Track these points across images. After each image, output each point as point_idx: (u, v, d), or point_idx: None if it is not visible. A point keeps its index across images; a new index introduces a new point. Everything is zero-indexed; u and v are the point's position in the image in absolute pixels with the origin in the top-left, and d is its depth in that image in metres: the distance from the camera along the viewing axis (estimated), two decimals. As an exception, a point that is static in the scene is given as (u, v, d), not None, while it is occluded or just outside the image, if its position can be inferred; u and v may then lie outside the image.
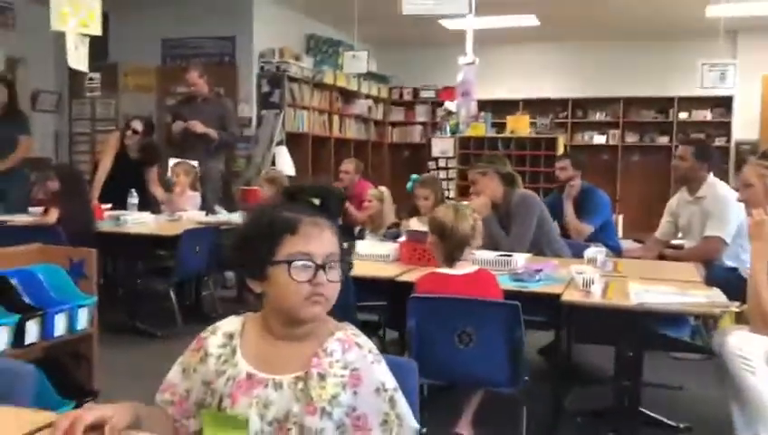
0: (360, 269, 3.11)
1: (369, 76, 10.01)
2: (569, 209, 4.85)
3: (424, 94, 10.84)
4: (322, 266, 1.31)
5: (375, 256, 3.44)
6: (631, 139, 10.13)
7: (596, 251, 3.50)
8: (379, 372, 1.33)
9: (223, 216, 5.27)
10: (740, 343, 2.37)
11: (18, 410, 1.29)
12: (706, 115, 9.74)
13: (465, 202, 3.53)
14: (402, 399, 1.34)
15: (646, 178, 9.81)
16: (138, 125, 5.61)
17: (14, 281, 2.67)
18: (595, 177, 6.89)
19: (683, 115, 9.77)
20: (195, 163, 5.62)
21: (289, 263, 1.29)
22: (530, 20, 8.63)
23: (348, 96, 9.61)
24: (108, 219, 4.87)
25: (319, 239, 1.33)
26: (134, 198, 5.26)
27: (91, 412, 1.19)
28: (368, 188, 5.28)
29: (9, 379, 1.41)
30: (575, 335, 2.85)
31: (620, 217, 7.41)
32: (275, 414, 1.28)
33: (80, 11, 5.19)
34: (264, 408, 1.28)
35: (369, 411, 1.29)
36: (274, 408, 1.28)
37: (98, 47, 5.77)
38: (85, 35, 5.18)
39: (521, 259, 3.20)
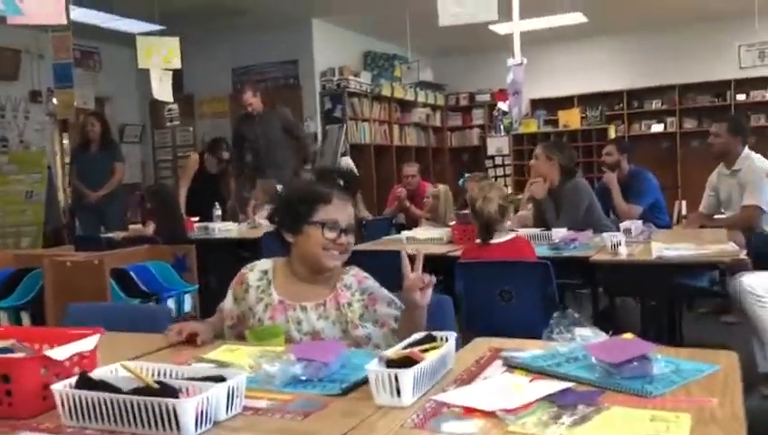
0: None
1: (425, 85, 10.47)
2: (615, 193, 5.13)
3: (479, 98, 11.19)
4: (345, 230, 1.84)
5: (431, 239, 3.89)
6: (689, 125, 10.18)
7: (632, 223, 3.84)
8: (386, 292, 1.87)
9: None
10: (751, 282, 2.68)
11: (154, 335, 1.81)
12: (765, 95, 9.71)
13: (528, 182, 3.97)
14: None
15: (707, 162, 9.77)
16: (225, 154, 6.33)
17: (131, 274, 3.25)
18: (655, 165, 7.08)
19: (741, 97, 9.76)
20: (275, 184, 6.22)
21: (323, 225, 1.82)
22: (577, 17, 8.90)
23: (405, 106, 10.10)
24: (197, 230, 5.49)
25: (344, 211, 1.86)
26: (218, 211, 5.90)
27: (190, 326, 1.79)
28: (427, 188, 5.73)
29: (149, 315, 1.94)
30: (606, 290, 3.21)
31: (684, 203, 7.56)
32: (306, 329, 1.82)
33: (161, 49, 5.91)
34: (297, 324, 1.83)
35: (387, 318, 1.82)
36: (305, 324, 1.83)
37: (174, 80, 6.50)
38: (167, 69, 5.89)
39: (559, 233, 3.57)
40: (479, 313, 2.88)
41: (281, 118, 6.64)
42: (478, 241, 3.10)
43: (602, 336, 1.43)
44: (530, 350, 1.51)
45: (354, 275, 1.89)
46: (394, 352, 1.32)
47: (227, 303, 1.93)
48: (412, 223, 5.71)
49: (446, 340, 1.41)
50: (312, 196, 1.85)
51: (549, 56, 9.94)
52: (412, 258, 1.71)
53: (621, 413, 1.11)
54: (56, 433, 1.15)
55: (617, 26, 9.69)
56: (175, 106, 9.40)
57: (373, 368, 1.22)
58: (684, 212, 7.01)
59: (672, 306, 3.02)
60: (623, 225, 3.77)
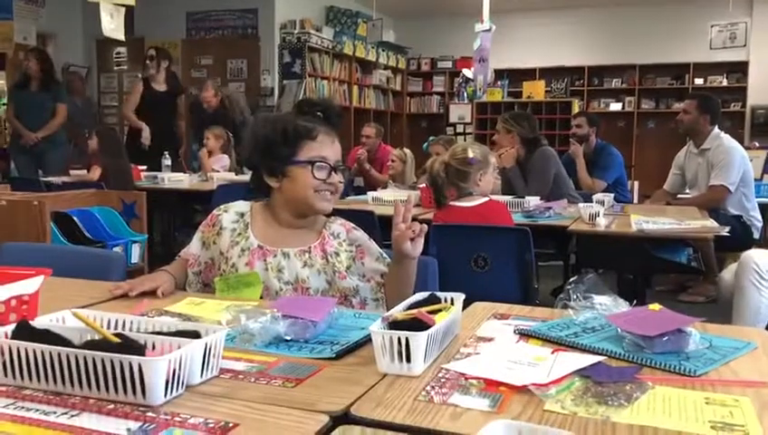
0: (385, 211, 3.39)
1: (387, 47, 10.20)
2: (580, 165, 5.05)
3: (441, 65, 10.99)
4: (334, 169, 1.63)
5: (398, 201, 3.71)
6: (647, 105, 10.25)
7: (604, 195, 3.75)
8: (375, 245, 1.70)
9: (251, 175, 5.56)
10: (760, 260, 2.56)
11: (114, 283, 1.58)
12: (722, 81, 9.82)
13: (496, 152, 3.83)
14: None
15: (661, 144, 9.90)
16: (152, 51, 6.01)
17: (75, 218, 2.97)
18: (611, 143, 7.06)
19: (698, 81, 9.85)
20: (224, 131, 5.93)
21: (312, 163, 1.61)
22: (545, -12, 8.78)
23: (366, 67, 9.83)
24: (145, 180, 5.18)
25: (331, 146, 1.66)
26: (167, 160, 5.57)
27: (146, 283, 1.53)
28: (390, 152, 5.52)
29: (99, 262, 1.71)
30: (581, 262, 3.10)
31: (636, 184, 7.58)
32: (288, 277, 1.61)
33: (114, -18, 5.47)
34: (278, 272, 1.61)
35: (374, 274, 1.66)
36: (287, 272, 1.62)
37: (124, 22, 6.09)
38: (120, 5, 5.47)
39: (533, 200, 3.45)
40: (452, 279, 2.71)
41: (231, 112, 6.28)
42: (450, 203, 2.94)
43: (623, 305, 1.28)
44: (539, 317, 1.35)
45: (342, 225, 1.71)
46: (398, 312, 1.14)
47: (193, 247, 1.70)
48: (370, 186, 5.52)
49: (452, 302, 1.24)
50: (296, 132, 1.62)
51: (514, 27, 9.80)
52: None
53: (670, 394, 0.96)
54: (-13, 393, 0.93)
55: (585, 1, 9.60)
56: (124, 49, 8.90)
57: (378, 330, 1.04)
58: (636, 192, 7.04)
59: (645, 281, 2.93)
60: (596, 197, 3.68)
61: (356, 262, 1.66)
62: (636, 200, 6.36)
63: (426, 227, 1.53)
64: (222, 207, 1.72)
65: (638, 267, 2.83)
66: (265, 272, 1.60)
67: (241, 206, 1.72)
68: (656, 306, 1.24)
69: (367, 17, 9.33)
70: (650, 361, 1.09)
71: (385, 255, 1.68)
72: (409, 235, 1.50)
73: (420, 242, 1.52)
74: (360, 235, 1.70)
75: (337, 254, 1.64)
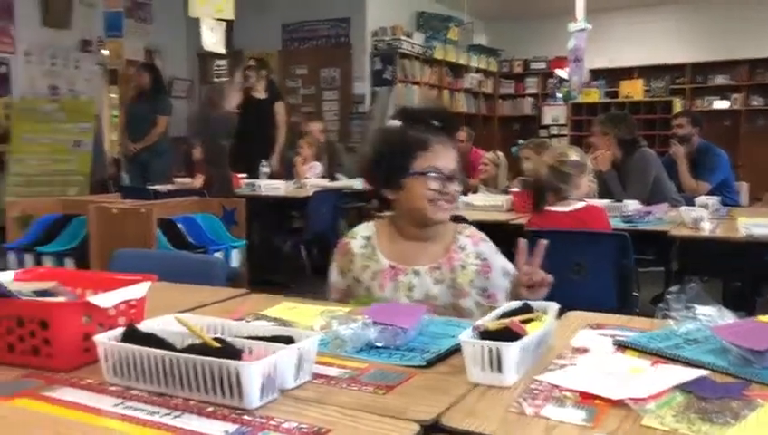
0: (477, 217, 3.37)
1: (479, 50, 10.12)
2: (682, 167, 4.82)
3: (534, 66, 10.79)
4: (449, 178, 1.62)
5: (489, 207, 3.68)
6: (757, 102, 9.66)
7: (708, 198, 3.57)
8: (502, 259, 1.65)
9: (343, 182, 5.66)
10: None
11: (215, 287, 1.65)
12: (843, 73, 9.14)
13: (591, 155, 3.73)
14: None
15: (772, 142, 9.35)
16: (251, 62, 6.17)
17: (179, 225, 3.12)
18: (714, 143, 6.71)
19: (816, 74, 9.21)
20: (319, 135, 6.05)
21: (424, 174, 1.59)
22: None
23: (457, 70, 9.78)
24: (244, 187, 5.37)
25: (445, 156, 1.63)
26: (265, 168, 5.75)
27: None
28: (481, 156, 5.47)
29: (201, 267, 1.79)
30: (684, 269, 2.96)
31: (745, 185, 7.16)
32: (419, 295, 1.61)
33: (214, -2, 5.70)
34: (408, 290, 1.62)
35: (498, 290, 1.62)
36: (417, 290, 1.62)
37: (224, 36, 6.35)
38: (220, 20, 5.70)
39: (632, 204, 3.33)
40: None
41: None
42: (546, 208, 2.88)
43: (729, 317, 1.22)
44: (637, 327, 1.30)
45: (470, 236, 1.68)
46: (490, 321, 1.12)
47: (332, 276, 1.74)
48: (462, 191, 5.48)
49: (545, 311, 1.22)
50: (408, 144, 1.61)
51: (610, 25, 9.48)
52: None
53: (781, 412, 0.90)
54: (98, 392, 0.99)
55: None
56: (223, 62, 9.26)
57: (468, 339, 1.03)
58: (745, 194, 6.63)
59: (756, 289, 2.77)
60: (699, 200, 3.51)
61: (480, 276, 1.63)
62: (746, 203, 6.01)
63: (551, 278, 1.47)
64: (348, 233, 1.75)
65: (748, 274, 2.67)
66: (396, 292, 1.62)
67: (365, 229, 1.73)
68: (766, 318, 1.16)
69: (458, 21, 9.30)
70: (760, 376, 1.03)
71: (512, 270, 1.62)
72: (527, 282, 1.46)
73: (540, 292, 1.46)
74: (488, 248, 1.66)
75: (463, 267, 1.63)
